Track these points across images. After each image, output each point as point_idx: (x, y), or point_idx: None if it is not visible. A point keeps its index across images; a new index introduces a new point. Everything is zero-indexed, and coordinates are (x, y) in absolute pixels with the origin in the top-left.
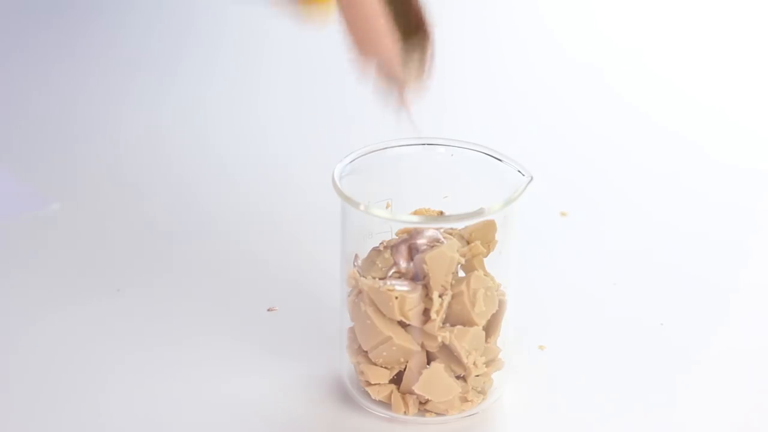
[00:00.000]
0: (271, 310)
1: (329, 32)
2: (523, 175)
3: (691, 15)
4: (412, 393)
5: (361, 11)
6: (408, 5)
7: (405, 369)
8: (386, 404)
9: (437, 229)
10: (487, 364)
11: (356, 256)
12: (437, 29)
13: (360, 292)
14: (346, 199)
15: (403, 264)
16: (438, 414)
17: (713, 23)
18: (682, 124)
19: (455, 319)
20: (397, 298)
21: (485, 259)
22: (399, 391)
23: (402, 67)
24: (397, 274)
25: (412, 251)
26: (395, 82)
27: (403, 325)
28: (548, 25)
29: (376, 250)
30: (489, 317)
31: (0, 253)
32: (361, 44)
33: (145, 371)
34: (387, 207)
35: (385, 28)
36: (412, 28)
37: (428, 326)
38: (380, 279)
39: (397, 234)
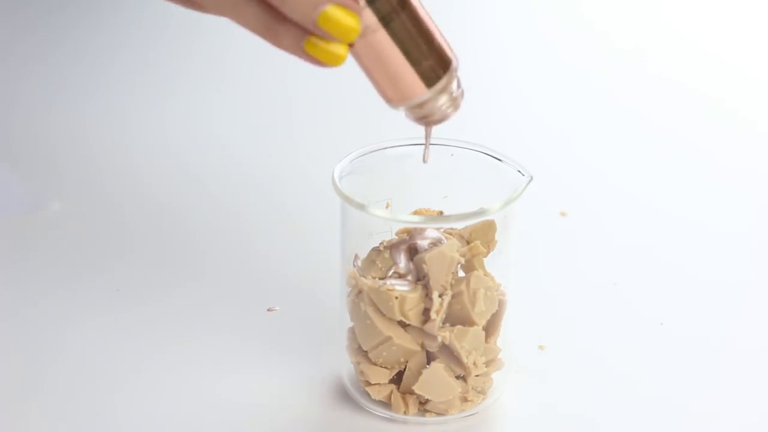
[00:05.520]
0: (271, 310)
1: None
2: (523, 175)
3: (689, 16)
4: (412, 393)
5: (382, 61)
6: (428, 47)
7: (405, 369)
8: (386, 404)
9: (437, 229)
10: (487, 364)
11: (356, 256)
12: (459, 60)
13: (360, 292)
14: (346, 199)
15: (403, 264)
16: (438, 414)
17: (712, 23)
18: (682, 125)
19: (455, 319)
20: (397, 298)
21: (485, 259)
22: (399, 391)
23: (433, 111)
24: (397, 274)
25: (412, 251)
26: (427, 123)
27: (403, 325)
28: (548, 26)
29: (376, 250)
30: (489, 317)
31: (0, 252)
32: (388, 94)
33: (144, 371)
34: (387, 207)
35: (409, 74)
36: (436, 72)
37: (428, 326)
38: (380, 279)
39: (397, 234)
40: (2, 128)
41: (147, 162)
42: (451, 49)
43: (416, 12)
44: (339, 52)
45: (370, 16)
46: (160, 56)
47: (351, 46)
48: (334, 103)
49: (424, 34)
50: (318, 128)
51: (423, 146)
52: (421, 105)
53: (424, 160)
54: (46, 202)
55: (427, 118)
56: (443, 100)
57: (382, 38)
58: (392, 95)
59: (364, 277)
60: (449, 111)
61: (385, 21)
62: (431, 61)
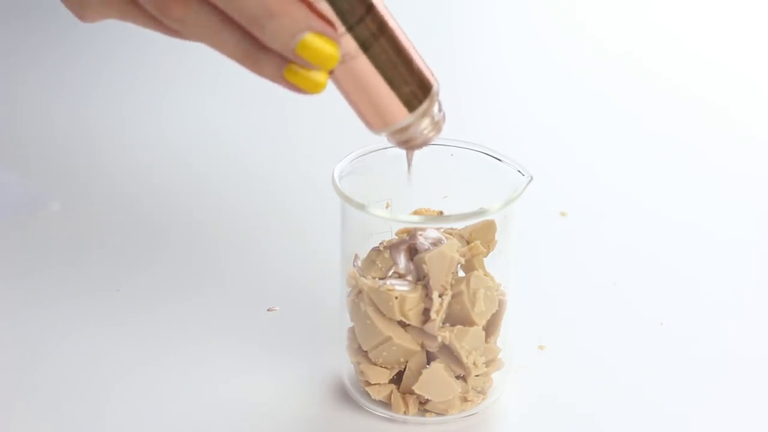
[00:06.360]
0: (271, 310)
1: None
2: (523, 175)
3: (689, 18)
4: (412, 393)
5: (362, 87)
6: (409, 72)
7: (405, 369)
8: (386, 404)
9: (437, 229)
10: (487, 364)
11: (356, 256)
12: (439, 81)
13: (360, 292)
14: (346, 199)
15: (403, 264)
16: (438, 414)
17: (711, 25)
18: (681, 126)
19: (455, 319)
20: (397, 298)
21: (485, 259)
22: (399, 391)
23: (415, 135)
24: (396, 274)
25: (412, 251)
26: (409, 147)
27: (403, 325)
28: (548, 27)
29: (376, 250)
30: (489, 317)
31: (0, 252)
32: (369, 120)
33: (144, 371)
34: (387, 207)
35: (390, 99)
36: (417, 97)
37: (428, 326)
38: (380, 279)
39: (397, 234)
40: (2, 128)
41: (147, 162)
42: (432, 73)
43: (396, 37)
44: (319, 79)
45: (349, 43)
46: (160, 56)
47: (331, 72)
48: (334, 103)
49: (403, 59)
50: (318, 128)
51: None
52: (402, 130)
53: (408, 181)
54: (46, 202)
55: (408, 143)
56: (425, 124)
57: (362, 64)
58: (373, 121)
59: (364, 277)
60: (431, 135)
61: (365, 47)
62: (412, 85)
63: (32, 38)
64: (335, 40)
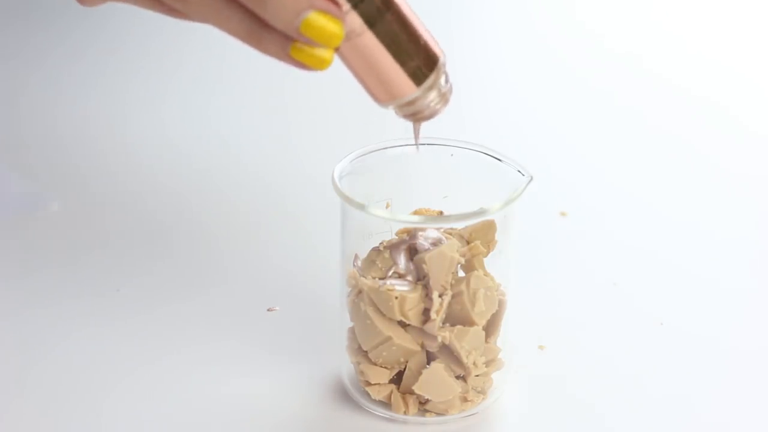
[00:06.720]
0: (271, 310)
1: None
2: (523, 175)
3: (689, 18)
4: (412, 393)
5: (368, 63)
6: (415, 47)
7: (405, 369)
8: (386, 404)
9: (437, 229)
10: (487, 364)
11: (356, 256)
12: (446, 55)
13: (360, 292)
14: (346, 199)
15: (403, 264)
16: (438, 414)
17: (712, 25)
18: (681, 126)
19: (455, 319)
20: (397, 298)
21: (485, 259)
22: (399, 391)
23: (423, 108)
24: (396, 274)
25: (412, 251)
26: (417, 119)
27: (403, 325)
28: (548, 27)
29: (376, 250)
30: (489, 317)
31: (0, 252)
32: (377, 94)
33: (145, 371)
34: (387, 207)
35: (397, 74)
36: (424, 70)
37: (428, 326)
38: (380, 279)
39: (397, 234)
40: (2, 128)
41: (147, 163)
42: (438, 45)
43: (401, 12)
44: (324, 56)
45: (354, 20)
46: (160, 55)
47: (337, 49)
48: (334, 102)
49: (409, 33)
50: (318, 128)
51: (420, 145)
52: (410, 103)
53: (417, 151)
54: (46, 202)
55: (416, 115)
56: (432, 96)
57: (368, 41)
58: (381, 95)
59: (364, 277)
60: (438, 107)
61: (370, 24)
62: (418, 59)
63: (32, 38)
64: (339, 17)
